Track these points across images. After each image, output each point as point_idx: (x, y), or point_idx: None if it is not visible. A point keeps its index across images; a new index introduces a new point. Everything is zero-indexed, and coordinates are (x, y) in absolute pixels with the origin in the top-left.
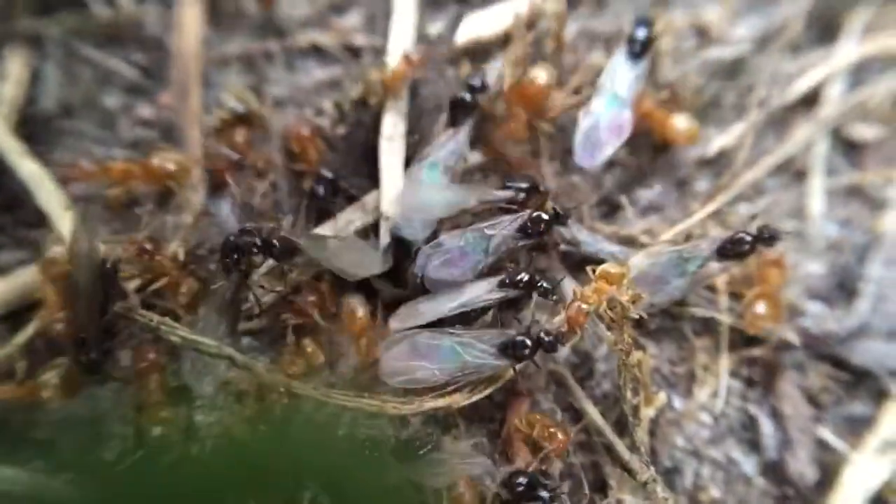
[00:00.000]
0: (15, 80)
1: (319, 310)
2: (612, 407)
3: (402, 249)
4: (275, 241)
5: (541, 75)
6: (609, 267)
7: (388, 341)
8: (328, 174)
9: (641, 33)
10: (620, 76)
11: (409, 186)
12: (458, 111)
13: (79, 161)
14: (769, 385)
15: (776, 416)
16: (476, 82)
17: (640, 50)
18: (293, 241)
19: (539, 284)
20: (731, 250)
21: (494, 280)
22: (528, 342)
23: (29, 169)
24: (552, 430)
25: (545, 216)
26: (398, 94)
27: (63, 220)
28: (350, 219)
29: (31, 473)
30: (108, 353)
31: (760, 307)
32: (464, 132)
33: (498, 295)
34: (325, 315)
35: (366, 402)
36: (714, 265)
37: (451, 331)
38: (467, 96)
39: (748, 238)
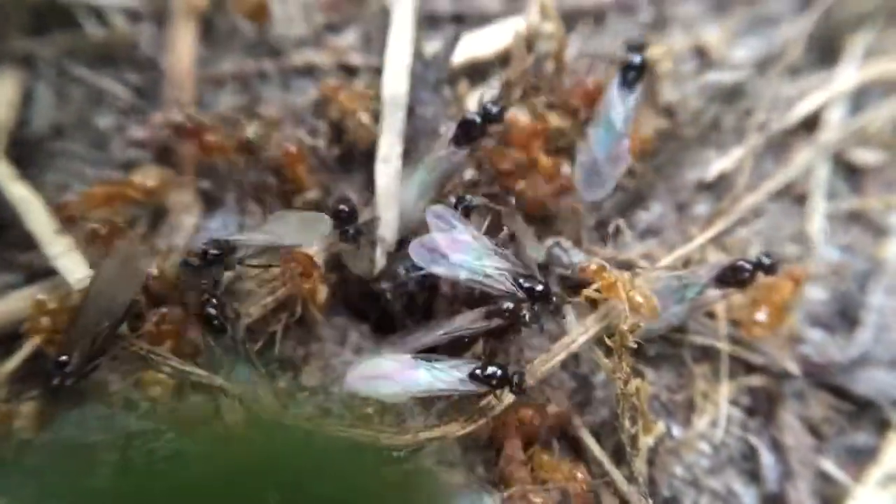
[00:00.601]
0: (6, 102)
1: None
2: (609, 435)
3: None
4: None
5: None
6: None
7: (356, 362)
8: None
9: (634, 60)
10: (616, 105)
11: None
12: (464, 132)
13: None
14: (770, 415)
15: (777, 446)
16: (493, 110)
17: (634, 78)
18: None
19: (522, 316)
20: (730, 278)
21: (482, 310)
22: (498, 373)
23: (19, 193)
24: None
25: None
26: None
27: (53, 244)
28: None
29: (20, 502)
30: (86, 376)
31: (762, 314)
32: (461, 155)
33: (484, 324)
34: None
35: (359, 432)
36: (713, 292)
37: (422, 357)
38: (478, 119)
39: (748, 266)
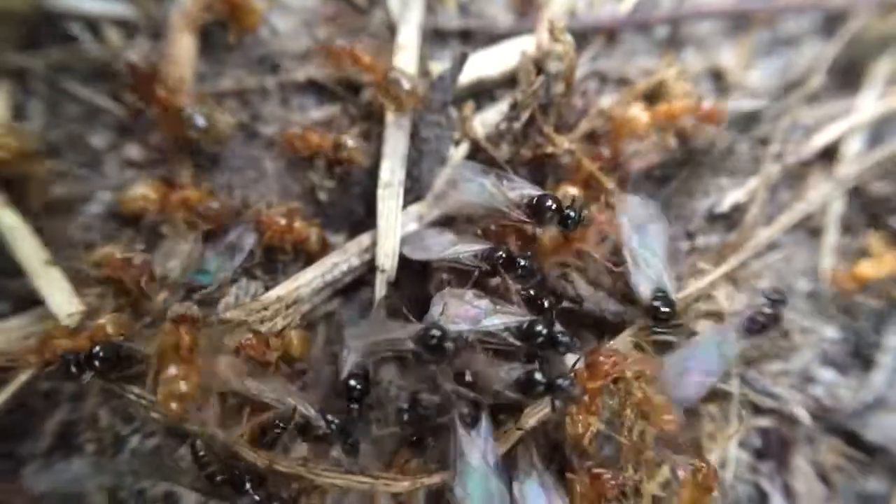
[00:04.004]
0: None
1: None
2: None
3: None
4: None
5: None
6: None
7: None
8: None
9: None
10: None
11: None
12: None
13: None
14: (782, 459)
15: (788, 493)
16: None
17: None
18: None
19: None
20: (757, 325)
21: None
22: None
23: (7, 221)
24: None
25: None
26: None
27: (41, 275)
28: (336, 261)
29: None
30: None
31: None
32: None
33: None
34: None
35: (356, 479)
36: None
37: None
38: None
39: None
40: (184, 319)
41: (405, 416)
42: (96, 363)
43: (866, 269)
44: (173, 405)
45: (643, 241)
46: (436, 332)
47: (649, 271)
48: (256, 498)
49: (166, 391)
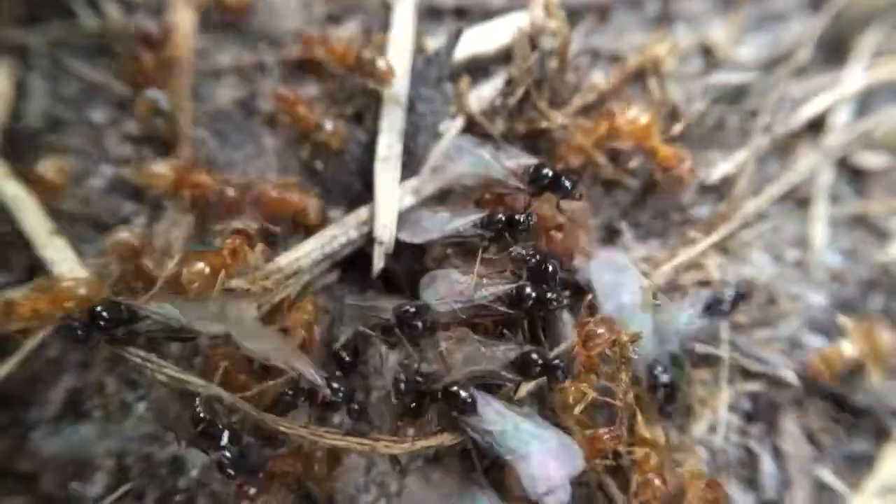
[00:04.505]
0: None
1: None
2: None
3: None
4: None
5: None
6: None
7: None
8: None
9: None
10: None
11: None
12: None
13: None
14: (772, 422)
15: (778, 454)
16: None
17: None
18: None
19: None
20: (714, 309)
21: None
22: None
23: (12, 191)
24: None
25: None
26: None
27: (47, 245)
28: (334, 234)
29: None
30: None
31: None
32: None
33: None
34: None
35: (356, 441)
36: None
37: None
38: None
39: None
40: (241, 233)
41: (401, 386)
42: (101, 323)
43: (838, 354)
44: (194, 285)
45: (619, 305)
46: (409, 308)
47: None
48: (227, 454)
49: (192, 272)
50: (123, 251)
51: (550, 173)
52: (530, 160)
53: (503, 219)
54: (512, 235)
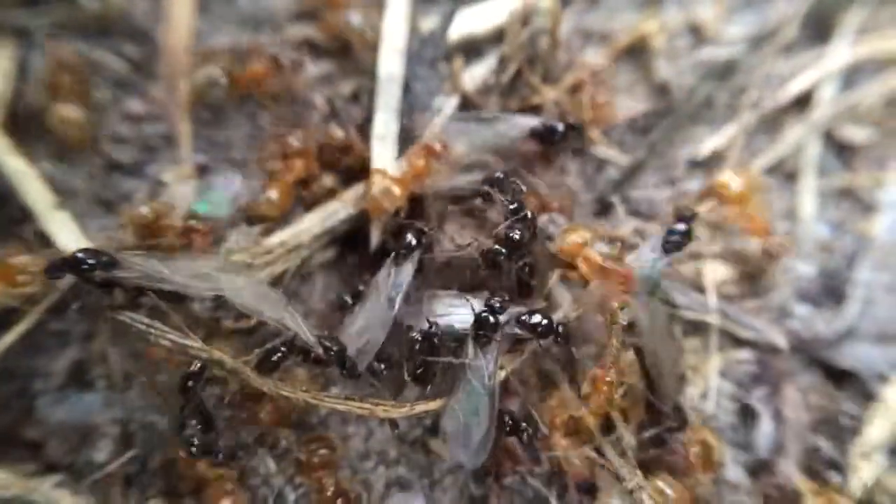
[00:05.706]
0: (2, 74)
1: None
2: None
3: None
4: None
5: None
6: None
7: None
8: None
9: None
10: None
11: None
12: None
13: None
14: (777, 386)
15: (778, 418)
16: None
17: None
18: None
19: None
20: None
21: None
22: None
23: (15, 166)
24: None
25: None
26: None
27: (49, 218)
28: (334, 208)
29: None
30: None
31: None
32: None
33: None
34: None
35: (356, 404)
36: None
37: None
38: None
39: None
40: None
41: (417, 347)
42: (83, 267)
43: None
44: None
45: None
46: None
47: None
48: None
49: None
50: (140, 223)
51: (562, 126)
52: (532, 120)
53: (500, 177)
54: (505, 193)
